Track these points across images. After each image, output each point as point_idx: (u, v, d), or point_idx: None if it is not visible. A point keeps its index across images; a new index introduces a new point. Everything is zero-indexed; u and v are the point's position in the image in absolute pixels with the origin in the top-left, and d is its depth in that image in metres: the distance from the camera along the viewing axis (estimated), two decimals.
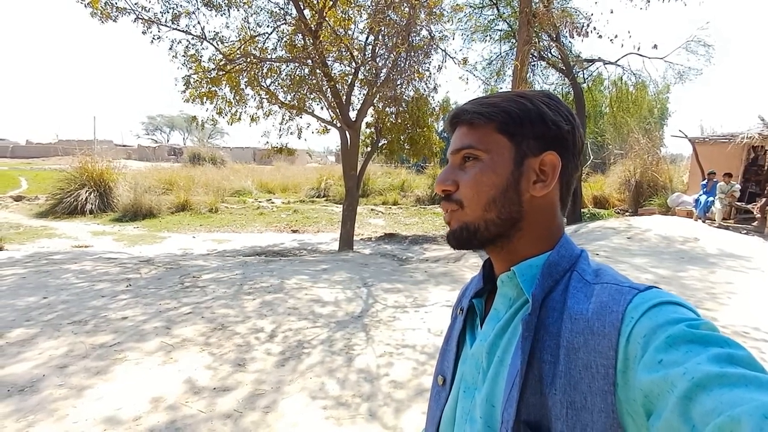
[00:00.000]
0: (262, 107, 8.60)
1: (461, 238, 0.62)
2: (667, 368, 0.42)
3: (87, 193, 13.26)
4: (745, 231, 9.30)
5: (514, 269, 0.60)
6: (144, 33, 7.33)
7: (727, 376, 0.39)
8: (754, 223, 9.82)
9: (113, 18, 6.99)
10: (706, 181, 10.65)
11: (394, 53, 7.68)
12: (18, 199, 15.06)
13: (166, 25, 7.37)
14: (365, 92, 8.49)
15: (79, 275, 5.48)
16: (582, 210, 13.66)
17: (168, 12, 7.34)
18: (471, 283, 0.72)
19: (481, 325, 0.65)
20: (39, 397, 2.70)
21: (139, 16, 7.16)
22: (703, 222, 9.95)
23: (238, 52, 7.89)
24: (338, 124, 8.56)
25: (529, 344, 0.53)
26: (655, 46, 10.30)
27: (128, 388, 2.85)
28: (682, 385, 0.40)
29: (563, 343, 0.52)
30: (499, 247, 0.62)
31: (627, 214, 13.31)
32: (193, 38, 7.71)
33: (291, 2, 7.57)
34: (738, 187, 10.44)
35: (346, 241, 8.63)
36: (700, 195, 10.53)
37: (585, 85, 13.93)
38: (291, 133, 9.06)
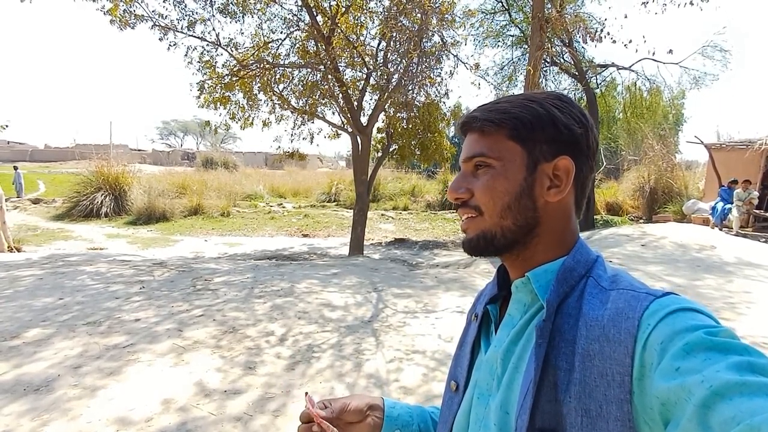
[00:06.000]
0: (274, 112, 8.71)
1: (478, 246, 0.62)
2: (684, 376, 0.41)
3: (102, 197, 13.52)
4: (764, 239, 9.08)
5: (529, 275, 0.59)
6: (161, 40, 7.50)
7: (747, 384, 0.38)
8: None
9: (131, 25, 7.16)
10: (726, 187, 10.42)
11: (406, 59, 7.71)
12: (36, 201, 15.40)
13: (182, 32, 7.52)
14: (377, 97, 8.54)
15: (94, 277, 5.57)
16: (595, 217, 13.49)
17: (184, 19, 7.51)
18: (485, 289, 0.71)
19: (496, 331, 0.64)
20: (53, 397, 2.74)
21: (156, 24, 7.32)
22: (720, 229, 9.75)
23: (251, 58, 8.01)
24: (349, 129, 8.60)
25: (543, 351, 0.52)
26: (671, 51, 10.18)
27: (140, 389, 2.88)
28: (700, 393, 0.39)
29: (579, 350, 0.51)
30: (514, 254, 0.62)
31: (641, 221, 13.12)
32: (207, 45, 7.85)
33: (304, 9, 7.67)
34: (756, 194, 10.22)
35: (357, 245, 8.64)
36: (717, 202, 10.33)
37: (598, 91, 13.82)
38: (303, 138, 9.16)
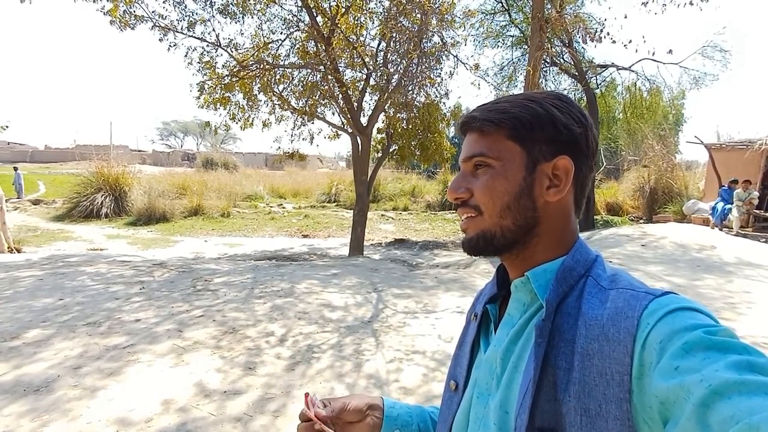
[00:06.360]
0: (274, 113, 8.71)
1: (478, 246, 0.62)
2: (683, 375, 0.41)
3: (103, 197, 13.52)
4: (764, 239, 9.08)
5: (528, 274, 0.59)
6: (161, 40, 7.49)
7: (746, 383, 0.38)
8: None
9: (131, 26, 7.16)
10: (726, 187, 10.43)
11: (406, 59, 7.72)
12: (36, 202, 15.40)
13: (182, 33, 7.53)
14: (377, 98, 8.54)
15: (94, 277, 5.57)
16: (595, 217, 13.49)
17: (184, 20, 7.51)
18: (485, 289, 0.71)
19: (495, 331, 0.64)
20: (53, 397, 2.74)
21: (156, 24, 7.32)
22: (720, 230, 9.75)
23: (251, 58, 8.01)
24: (349, 130, 8.61)
25: (542, 350, 0.52)
26: (670, 52, 10.20)
27: (140, 389, 2.88)
28: (699, 392, 0.39)
29: (578, 349, 0.51)
30: (514, 254, 0.62)
31: (641, 221, 13.12)
32: (208, 45, 7.86)
33: (304, 9, 7.67)
34: (756, 194, 10.22)
35: (357, 246, 8.64)
36: (717, 202, 10.33)
37: (598, 91, 13.82)
38: (303, 139, 9.15)
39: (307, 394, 0.70)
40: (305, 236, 12.13)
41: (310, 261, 7.94)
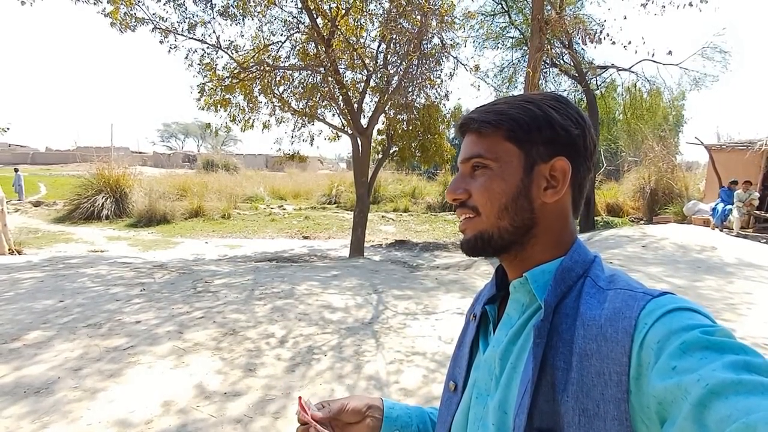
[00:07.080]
0: (274, 114, 8.71)
1: (476, 247, 0.62)
2: (681, 375, 0.41)
3: (103, 199, 13.53)
4: (764, 240, 9.08)
5: (527, 275, 0.59)
6: (161, 42, 7.50)
7: (743, 383, 0.38)
8: None
9: (132, 28, 7.18)
10: (726, 188, 10.43)
11: (406, 61, 7.72)
12: (37, 204, 15.41)
13: (182, 35, 7.54)
14: (377, 99, 8.55)
15: (95, 279, 5.58)
16: (595, 218, 13.48)
17: (184, 22, 7.52)
18: (484, 290, 0.72)
19: (494, 331, 0.64)
20: (54, 399, 2.74)
21: (157, 26, 7.33)
22: (721, 230, 9.75)
23: (251, 60, 8.02)
24: (350, 131, 8.62)
25: (541, 350, 0.53)
26: (670, 53, 10.19)
27: (140, 391, 2.88)
28: (696, 392, 0.39)
29: (576, 349, 0.51)
30: (512, 254, 0.62)
31: (641, 222, 13.11)
32: (208, 47, 7.87)
33: (304, 11, 7.68)
34: (757, 195, 10.23)
35: (357, 247, 8.64)
36: (717, 203, 10.33)
37: (598, 92, 13.82)
38: (303, 140, 9.16)
39: (300, 398, 0.69)
40: (306, 238, 12.13)
41: (310, 262, 7.94)
